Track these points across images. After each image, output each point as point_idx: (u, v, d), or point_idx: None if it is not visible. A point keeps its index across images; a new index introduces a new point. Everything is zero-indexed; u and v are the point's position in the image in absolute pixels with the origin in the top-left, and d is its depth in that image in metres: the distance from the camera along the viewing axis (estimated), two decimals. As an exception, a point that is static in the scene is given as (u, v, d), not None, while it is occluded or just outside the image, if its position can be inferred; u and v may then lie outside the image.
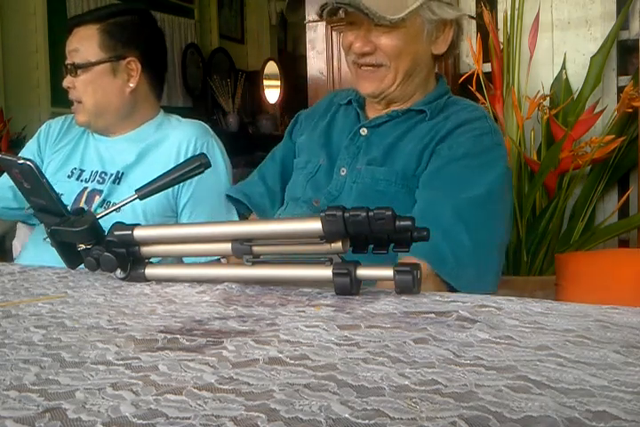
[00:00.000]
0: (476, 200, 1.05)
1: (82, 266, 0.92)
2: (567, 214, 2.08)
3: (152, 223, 1.32)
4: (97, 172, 1.44)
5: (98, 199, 1.40)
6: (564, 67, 2.16)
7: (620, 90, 2.07)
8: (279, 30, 6.73)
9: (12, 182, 1.02)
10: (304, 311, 0.66)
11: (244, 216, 1.41)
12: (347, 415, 0.38)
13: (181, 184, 1.31)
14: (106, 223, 0.90)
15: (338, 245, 0.74)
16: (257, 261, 0.80)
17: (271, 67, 6.29)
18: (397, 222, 0.69)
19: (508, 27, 2.12)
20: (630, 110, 1.97)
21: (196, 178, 1.05)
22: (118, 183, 1.41)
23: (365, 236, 0.75)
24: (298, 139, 1.33)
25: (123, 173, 1.42)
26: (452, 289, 0.97)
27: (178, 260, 1.27)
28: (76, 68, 1.42)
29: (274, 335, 0.56)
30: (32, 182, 0.94)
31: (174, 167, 1.00)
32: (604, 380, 0.43)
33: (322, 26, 2.49)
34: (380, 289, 0.77)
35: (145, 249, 0.87)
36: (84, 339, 0.57)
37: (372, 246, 0.77)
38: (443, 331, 0.56)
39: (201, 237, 0.85)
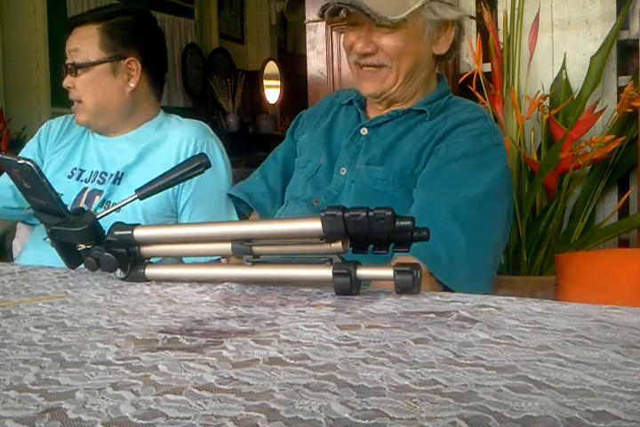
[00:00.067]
0: (473, 199, 1.05)
1: (82, 266, 0.92)
2: (567, 214, 2.08)
3: (152, 223, 1.32)
4: (97, 172, 1.44)
5: (98, 199, 1.40)
6: (563, 67, 2.16)
7: (620, 90, 2.07)
8: (279, 30, 6.73)
9: (12, 182, 1.02)
10: (304, 311, 0.66)
11: (244, 215, 1.41)
12: (347, 415, 0.38)
13: (181, 184, 1.30)
14: (106, 223, 0.90)
15: (338, 245, 0.74)
16: (257, 261, 0.80)
17: (271, 67, 6.29)
18: (397, 222, 0.69)
19: (507, 27, 2.12)
20: (630, 110, 1.97)
21: (196, 178, 1.05)
22: (118, 183, 1.41)
23: (365, 236, 0.75)
24: (299, 138, 1.34)
25: (123, 174, 1.42)
26: (447, 288, 0.97)
27: (178, 260, 1.27)
28: (77, 68, 1.42)
29: (274, 335, 0.56)
30: (32, 182, 0.94)
31: (174, 167, 1.00)
32: (604, 380, 0.43)
33: (322, 26, 2.48)
34: (380, 289, 0.77)
35: (145, 249, 0.87)
36: (83, 339, 0.57)
37: (371, 246, 0.77)
38: (443, 331, 0.56)
39: (201, 238, 0.85)
